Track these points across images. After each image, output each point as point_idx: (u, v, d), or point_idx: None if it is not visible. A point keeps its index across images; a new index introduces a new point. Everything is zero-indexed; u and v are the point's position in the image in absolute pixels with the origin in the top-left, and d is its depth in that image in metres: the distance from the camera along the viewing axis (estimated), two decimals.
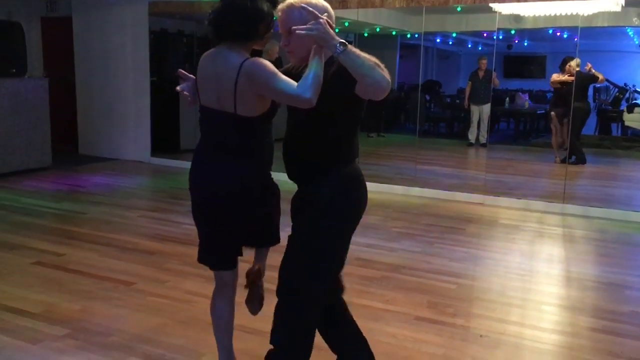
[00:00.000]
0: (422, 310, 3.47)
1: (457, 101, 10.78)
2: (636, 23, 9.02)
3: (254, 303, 2.76)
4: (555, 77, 8.27)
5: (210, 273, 3.97)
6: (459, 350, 3.00)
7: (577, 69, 8.03)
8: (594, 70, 8.19)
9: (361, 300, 3.58)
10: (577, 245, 5.17)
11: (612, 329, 3.31)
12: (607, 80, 9.17)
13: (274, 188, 2.51)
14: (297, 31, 2.07)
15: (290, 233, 2.32)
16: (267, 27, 2.28)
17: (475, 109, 10.15)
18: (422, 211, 5.98)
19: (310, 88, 2.04)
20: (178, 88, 2.41)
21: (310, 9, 2.10)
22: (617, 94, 10.47)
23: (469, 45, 12.84)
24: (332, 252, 2.30)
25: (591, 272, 4.29)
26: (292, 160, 2.29)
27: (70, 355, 2.84)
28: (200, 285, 3.77)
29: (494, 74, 9.51)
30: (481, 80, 9.99)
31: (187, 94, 2.39)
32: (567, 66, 8.11)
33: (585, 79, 8.16)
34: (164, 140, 9.00)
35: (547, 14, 8.29)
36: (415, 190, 6.76)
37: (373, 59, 2.08)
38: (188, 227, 5.15)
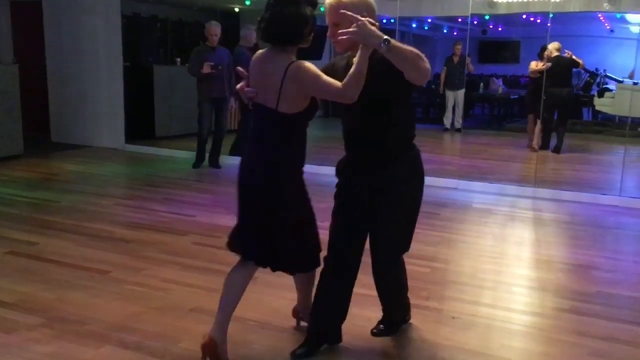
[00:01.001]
0: None
1: (433, 87, 10.84)
2: (606, 8, 9.15)
3: None
4: (534, 65, 8.12)
5: (187, 261, 4.00)
6: (432, 332, 3.07)
7: (557, 53, 8.07)
8: (574, 57, 8.22)
9: None
10: (548, 228, 5.29)
11: (580, 309, 3.41)
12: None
13: (305, 193, 2.72)
14: (339, 37, 2.35)
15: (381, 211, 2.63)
16: (310, 29, 2.54)
17: (450, 94, 10.23)
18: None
19: (352, 86, 2.34)
20: (238, 86, 2.64)
21: (349, 13, 2.34)
22: (588, 78, 10.63)
23: (445, 31, 12.89)
24: (416, 217, 2.72)
25: (560, 254, 4.40)
26: (369, 147, 2.60)
27: (46, 344, 2.84)
28: (177, 273, 3.78)
29: (469, 59, 9.58)
30: (456, 66, 10.06)
31: (250, 89, 2.59)
32: (548, 52, 7.98)
33: (566, 64, 8.15)
34: (139, 126, 8.90)
35: (520, 0, 8.39)
36: None
37: (415, 50, 2.33)
38: (164, 214, 5.15)
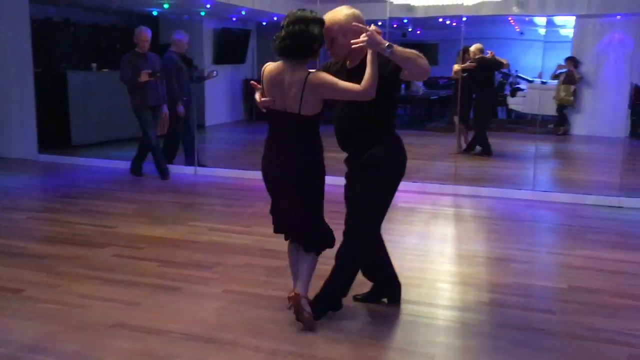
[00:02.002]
0: None
1: None
2: (516, 12, 9.62)
3: (305, 325, 3.09)
4: (457, 67, 8.13)
5: (106, 275, 3.85)
6: (359, 332, 3.10)
7: (481, 54, 8.31)
8: (498, 57, 8.45)
9: (267, 290, 3.60)
10: (468, 224, 5.49)
11: (499, 301, 3.55)
12: None
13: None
14: (353, 46, 2.81)
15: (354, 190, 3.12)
16: (319, 45, 2.98)
17: None
18: (325, 198, 6.06)
19: (372, 86, 2.83)
20: (257, 97, 3.08)
21: (360, 25, 2.82)
22: (502, 79, 11.12)
23: None
24: (390, 196, 3.12)
25: (480, 248, 4.57)
26: (353, 132, 3.07)
27: None
28: (96, 287, 3.62)
29: None
30: None
31: (267, 99, 3.02)
32: (471, 53, 8.11)
33: (490, 65, 8.32)
34: (54, 135, 8.50)
35: (437, 4, 8.66)
36: None
37: (415, 51, 2.80)
38: (82, 227, 4.93)
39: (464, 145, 8.47)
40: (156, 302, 3.42)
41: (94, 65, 9.41)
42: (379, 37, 2.76)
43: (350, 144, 3.14)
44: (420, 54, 2.81)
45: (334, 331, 3.09)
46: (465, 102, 8.03)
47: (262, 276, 3.85)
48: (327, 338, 3.01)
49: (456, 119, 8.42)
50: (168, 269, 3.98)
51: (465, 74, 7.98)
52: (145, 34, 6.68)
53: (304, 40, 2.92)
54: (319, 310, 3.16)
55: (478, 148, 8.40)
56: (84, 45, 9.92)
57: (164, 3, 9.09)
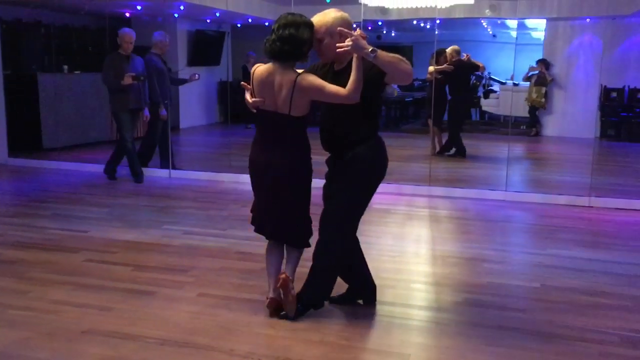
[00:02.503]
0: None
1: None
2: (488, 14, 9.76)
3: (287, 308, 3.18)
4: (432, 68, 8.09)
5: (78, 280, 3.79)
6: (335, 334, 3.10)
7: (458, 56, 8.36)
8: (473, 60, 8.52)
9: (241, 294, 3.58)
10: (442, 225, 5.54)
11: (473, 300, 3.59)
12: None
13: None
14: (337, 50, 2.88)
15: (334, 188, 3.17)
16: (309, 48, 3.06)
17: None
18: None
19: (356, 90, 2.93)
20: (247, 97, 3.17)
21: (345, 30, 2.89)
22: (475, 81, 11.26)
23: None
24: (368, 198, 3.19)
25: (454, 248, 4.61)
26: (337, 133, 3.12)
27: None
28: (67, 293, 3.56)
29: None
30: None
31: (257, 99, 3.12)
32: (448, 55, 8.11)
33: (467, 68, 8.38)
34: (24, 138, 8.34)
35: (410, 6, 8.72)
36: None
37: (398, 56, 2.89)
38: (53, 231, 4.84)
39: (438, 147, 8.53)
40: (129, 307, 3.38)
41: (65, 67, 9.26)
42: (363, 42, 2.82)
43: (333, 145, 3.19)
44: (404, 59, 2.90)
45: (309, 333, 3.08)
46: (439, 104, 8.06)
47: (237, 279, 3.83)
48: (302, 340, 3.01)
49: (430, 121, 8.47)
50: (141, 273, 3.94)
51: (440, 76, 8.04)
52: (129, 35, 6.60)
53: (294, 43, 3.01)
54: (300, 309, 3.19)
55: (452, 149, 8.47)
56: (55, 47, 9.76)
57: (137, 5, 9.00)
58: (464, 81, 8.49)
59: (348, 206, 3.15)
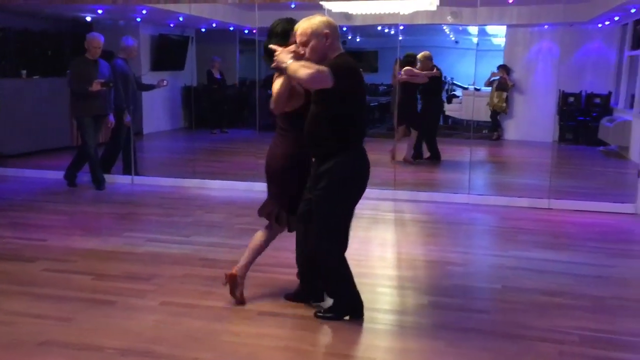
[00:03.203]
0: (266, 304, 3.51)
1: None
2: (450, 21, 9.92)
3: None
4: (414, 70, 7.99)
5: (35, 290, 3.69)
6: (300, 340, 3.10)
7: (431, 62, 8.38)
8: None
9: (205, 301, 3.54)
10: (407, 228, 5.59)
11: (438, 303, 3.62)
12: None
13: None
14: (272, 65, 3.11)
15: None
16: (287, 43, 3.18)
17: None
18: None
19: (273, 102, 3.21)
20: None
21: (272, 46, 3.15)
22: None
23: None
24: (342, 209, 3.22)
25: (418, 252, 4.66)
26: (312, 142, 3.17)
27: None
28: (24, 304, 3.46)
29: None
30: None
31: None
32: (424, 62, 8.11)
33: (439, 73, 8.45)
34: None
35: (374, 13, 8.79)
36: (258, 186, 6.79)
37: (305, 64, 2.96)
38: (9, 240, 4.71)
39: (407, 152, 8.46)
40: (89, 317, 3.30)
41: (23, 72, 9.03)
42: (282, 57, 3.01)
43: (313, 151, 3.26)
44: (311, 65, 2.95)
45: (274, 340, 3.07)
46: (407, 109, 8.10)
47: (202, 286, 3.79)
48: (267, 347, 2.99)
49: (402, 128, 8.45)
50: (102, 282, 3.86)
51: (421, 82, 8.05)
52: (98, 40, 6.46)
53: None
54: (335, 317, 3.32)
55: (427, 153, 8.55)
56: (13, 52, 9.51)
57: (98, 9, 8.84)
58: (437, 87, 8.59)
59: (321, 219, 3.15)
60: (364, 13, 8.97)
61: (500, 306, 3.61)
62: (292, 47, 3.07)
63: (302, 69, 2.92)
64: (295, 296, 3.53)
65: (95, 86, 6.29)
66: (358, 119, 3.16)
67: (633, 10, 8.23)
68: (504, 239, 5.15)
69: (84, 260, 4.28)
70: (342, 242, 3.26)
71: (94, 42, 6.44)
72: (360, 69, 3.18)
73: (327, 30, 3.06)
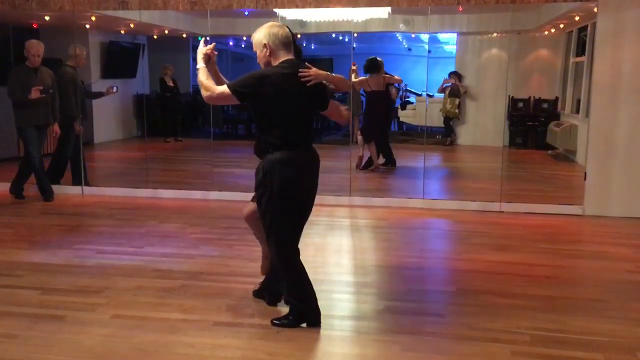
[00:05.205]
0: (221, 314, 3.47)
1: None
2: (402, 29, 10.06)
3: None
4: (388, 77, 8.20)
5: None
6: (256, 349, 3.06)
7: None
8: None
9: (159, 313, 3.46)
10: (362, 234, 5.62)
11: (394, 308, 3.64)
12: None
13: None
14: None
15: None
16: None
17: None
18: (220, 215, 5.98)
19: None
20: None
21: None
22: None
23: None
24: (275, 212, 3.22)
25: (374, 257, 4.69)
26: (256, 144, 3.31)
27: None
28: None
29: None
30: None
31: None
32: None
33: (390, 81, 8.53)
34: None
35: (328, 20, 8.84)
36: (214, 194, 6.73)
37: (206, 85, 3.18)
38: None
39: (366, 158, 8.49)
40: (37, 333, 3.18)
41: None
42: (198, 58, 3.24)
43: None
44: (209, 86, 3.17)
45: (230, 350, 3.02)
46: (374, 118, 8.21)
47: (155, 298, 3.70)
48: (222, 358, 2.94)
49: (359, 136, 8.49)
50: (50, 296, 3.73)
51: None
52: (37, 47, 6.26)
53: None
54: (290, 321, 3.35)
55: (382, 159, 8.61)
56: None
57: (45, 15, 8.58)
58: (381, 95, 8.67)
59: (264, 213, 3.25)
60: (318, 20, 9.01)
61: (454, 309, 3.66)
62: (204, 49, 3.25)
63: (202, 89, 3.18)
64: (259, 292, 3.70)
65: (35, 94, 6.11)
66: (284, 123, 3.19)
67: (577, 18, 8.53)
68: (458, 242, 5.24)
69: (31, 275, 4.13)
70: (287, 243, 3.28)
71: (33, 50, 6.26)
72: (286, 72, 3.16)
73: (265, 41, 3.20)
